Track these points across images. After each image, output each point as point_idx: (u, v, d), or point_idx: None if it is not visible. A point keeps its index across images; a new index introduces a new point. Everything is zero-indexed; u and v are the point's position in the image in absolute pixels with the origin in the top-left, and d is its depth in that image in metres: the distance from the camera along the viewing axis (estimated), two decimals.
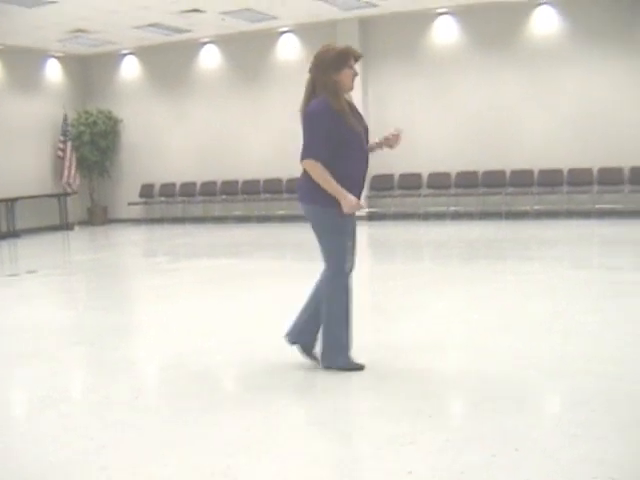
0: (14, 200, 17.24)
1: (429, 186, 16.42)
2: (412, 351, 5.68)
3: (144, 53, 19.36)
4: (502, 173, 15.82)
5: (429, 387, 4.84)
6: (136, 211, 19.64)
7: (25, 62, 18.46)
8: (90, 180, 19.81)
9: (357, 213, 5.14)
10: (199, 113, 18.92)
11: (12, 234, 17.09)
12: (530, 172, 15.57)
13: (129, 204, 19.48)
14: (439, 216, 16.26)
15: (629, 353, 5.43)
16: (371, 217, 16.14)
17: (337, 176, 4.90)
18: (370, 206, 16.04)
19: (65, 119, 19.00)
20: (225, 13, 15.77)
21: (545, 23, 15.48)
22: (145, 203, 19.50)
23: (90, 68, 20.09)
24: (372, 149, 5.31)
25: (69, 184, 18.85)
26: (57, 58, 19.37)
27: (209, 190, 18.75)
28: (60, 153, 18.85)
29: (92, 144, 19.13)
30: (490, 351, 5.63)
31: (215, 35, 18.11)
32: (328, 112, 4.91)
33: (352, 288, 5.19)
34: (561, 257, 10.70)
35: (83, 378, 5.77)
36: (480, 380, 4.91)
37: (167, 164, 19.33)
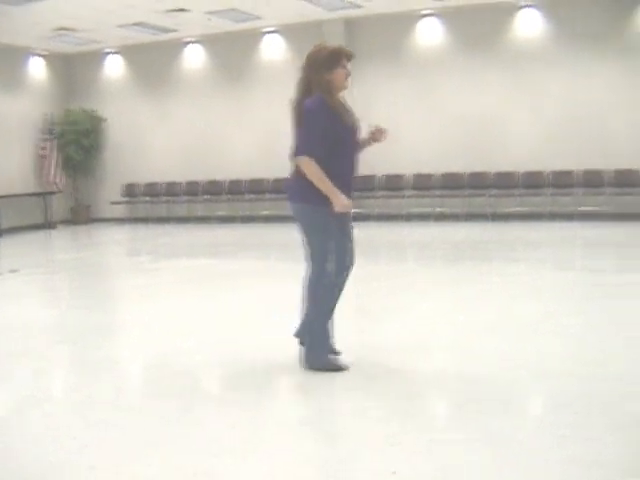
0: None
1: (413, 187, 16.43)
2: (397, 352, 5.67)
3: (129, 52, 19.29)
4: (486, 175, 15.85)
5: (414, 388, 4.83)
6: (119, 210, 19.55)
7: (9, 60, 18.32)
8: (74, 179, 19.73)
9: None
10: (183, 112, 18.87)
11: None
12: (514, 174, 15.61)
13: (112, 203, 19.39)
14: (423, 217, 16.27)
15: (613, 355, 5.44)
16: (354, 218, 15.98)
17: (330, 174, 4.90)
18: (353, 207, 15.98)
19: (49, 118, 18.93)
20: (210, 13, 15.74)
21: (529, 25, 15.53)
22: (128, 202, 19.42)
23: (74, 67, 19.98)
24: (363, 146, 5.33)
25: (55, 183, 18.77)
26: (41, 56, 19.26)
27: (193, 190, 18.70)
28: (42, 152, 18.77)
29: (76, 143, 19.04)
30: (475, 352, 5.63)
31: (200, 35, 18.07)
32: (324, 109, 4.92)
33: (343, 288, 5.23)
34: (545, 259, 10.73)
35: (66, 377, 5.73)
36: (465, 381, 4.90)
37: (151, 163, 19.26)
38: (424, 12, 16.18)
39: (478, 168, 15.91)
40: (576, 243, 12.33)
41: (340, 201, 4.91)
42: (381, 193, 16.57)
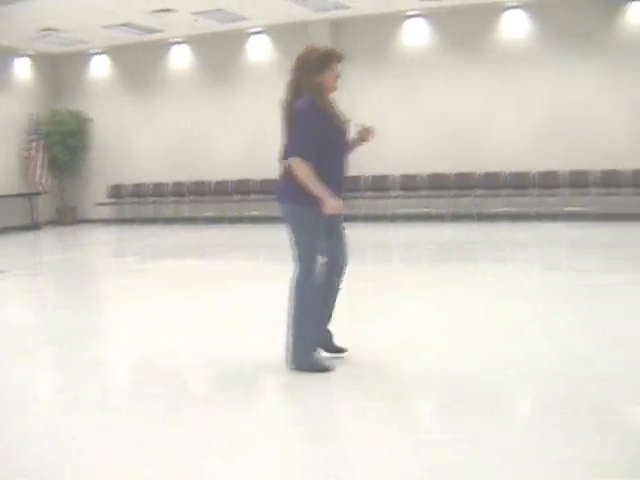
0: None
1: (399, 188, 16.45)
2: (383, 352, 5.67)
3: (115, 52, 19.23)
4: (472, 175, 15.88)
5: (399, 388, 4.84)
6: (105, 211, 19.49)
7: None
8: (60, 180, 19.66)
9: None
10: (170, 113, 18.83)
11: None
12: (500, 175, 15.65)
13: (98, 204, 19.33)
14: (409, 218, 16.28)
15: (600, 355, 5.46)
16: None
17: (320, 176, 4.93)
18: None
19: (35, 118, 18.87)
20: (197, 13, 15.72)
21: (515, 26, 15.58)
22: (114, 203, 19.36)
23: (60, 67, 19.92)
24: (352, 147, 5.36)
25: (40, 184, 18.71)
26: (27, 56, 19.19)
27: (180, 191, 18.66)
28: (27, 152, 18.70)
29: (62, 144, 18.97)
30: (461, 353, 5.64)
31: (186, 35, 18.04)
32: (315, 111, 4.95)
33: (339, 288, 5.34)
34: (531, 259, 10.75)
35: (52, 378, 5.71)
36: (451, 381, 4.91)
37: (137, 164, 19.21)
38: (410, 13, 16.20)
39: (464, 169, 15.94)
40: (562, 243, 12.37)
41: (330, 203, 4.92)
42: (367, 194, 16.58)
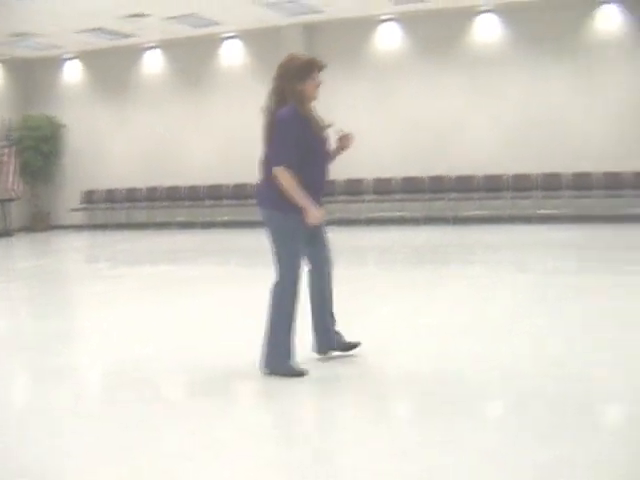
0: None
1: (373, 192, 16.47)
2: (358, 356, 5.65)
3: (88, 57, 19.14)
4: (446, 179, 15.93)
5: (375, 391, 4.84)
6: (79, 217, 19.36)
7: None
8: (32, 186, 19.51)
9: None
10: (143, 118, 18.76)
11: None
12: (474, 178, 15.71)
13: (71, 210, 19.22)
14: (383, 222, 16.31)
15: (574, 355, 5.48)
16: None
17: (302, 183, 4.98)
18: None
19: (7, 123, 18.74)
20: (170, 18, 15.68)
21: (487, 30, 15.67)
22: (87, 209, 19.25)
23: (33, 72, 19.77)
24: (334, 156, 5.41)
25: (13, 190, 18.56)
26: None
27: (154, 196, 18.59)
28: (2, 158, 18.58)
29: (35, 149, 18.84)
30: (437, 354, 5.65)
31: (159, 40, 17.99)
32: (297, 119, 5.00)
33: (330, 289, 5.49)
34: (505, 261, 10.79)
35: (24, 384, 5.67)
36: (427, 382, 4.91)
37: (110, 170, 19.12)
38: (384, 17, 16.25)
39: (438, 172, 15.99)
40: (535, 245, 12.41)
41: (313, 213, 4.98)
42: (341, 198, 16.57)
